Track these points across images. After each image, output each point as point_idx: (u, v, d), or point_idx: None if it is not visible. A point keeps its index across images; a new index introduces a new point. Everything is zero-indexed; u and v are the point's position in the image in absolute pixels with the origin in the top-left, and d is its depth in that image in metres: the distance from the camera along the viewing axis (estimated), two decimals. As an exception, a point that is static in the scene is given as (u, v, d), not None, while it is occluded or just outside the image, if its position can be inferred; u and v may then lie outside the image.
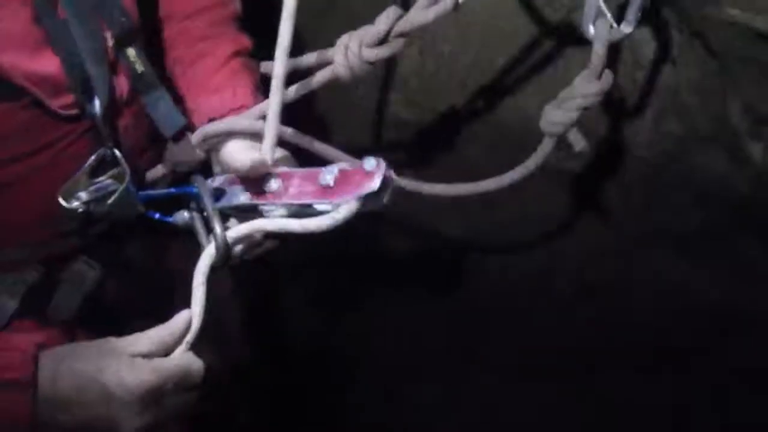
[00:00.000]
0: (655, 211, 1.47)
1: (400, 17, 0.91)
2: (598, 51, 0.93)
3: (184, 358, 0.89)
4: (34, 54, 0.96)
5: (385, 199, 0.90)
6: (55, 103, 0.97)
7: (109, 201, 0.95)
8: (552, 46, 1.28)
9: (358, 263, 1.81)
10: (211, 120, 1.09)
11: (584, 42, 0.97)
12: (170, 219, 0.99)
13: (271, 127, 0.95)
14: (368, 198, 0.87)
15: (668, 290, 1.58)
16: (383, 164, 0.87)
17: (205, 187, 0.97)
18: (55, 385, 0.84)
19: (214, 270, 0.92)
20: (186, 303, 0.91)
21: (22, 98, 0.94)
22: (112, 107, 1.02)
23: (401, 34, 0.92)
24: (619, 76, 1.20)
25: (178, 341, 0.89)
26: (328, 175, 0.90)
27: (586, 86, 0.93)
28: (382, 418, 1.94)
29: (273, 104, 0.94)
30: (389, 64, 1.48)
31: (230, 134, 1.05)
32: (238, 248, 0.96)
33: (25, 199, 0.97)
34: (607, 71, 0.95)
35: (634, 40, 1.22)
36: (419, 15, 0.90)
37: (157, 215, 0.99)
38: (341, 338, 1.96)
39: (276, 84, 0.92)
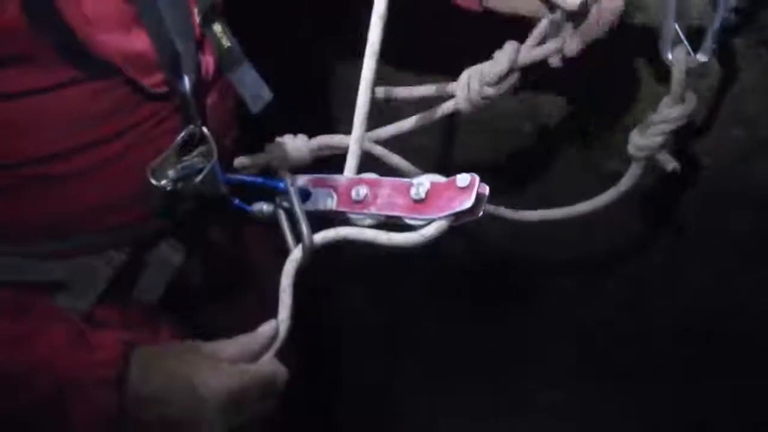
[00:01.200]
0: (717, 218, 1.50)
1: (517, 52, 0.99)
2: (678, 77, 0.98)
3: (270, 366, 0.91)
4: (126, 32, 0.96)
5: (478, 214, 0.88)
6: (147, 81, 0.97)
7: (197, 179, 0.96)
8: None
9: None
10: None
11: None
12: (250, 208, 0.99)
13: (356, 139, 0.92)
14: (460, 214, 0.86)
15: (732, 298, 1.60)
16: (477, 180, 0.86)
17: (294, 185, 0.96)
18: (145, 384, 0.86)
19: (299, 273, 0.92)
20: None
21: (115, 77, 0.95)
22: (200, 84, 1.02)
23: (515, 70, 1.00)
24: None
25: (265, 348, 0.91)
26: (420, 188, 0.88)
27: (669, 111, 0.99)
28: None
29: (359, 114, 0.90)
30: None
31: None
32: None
33: (115, 178, 0.98)
34: (690, 94, 1.00)
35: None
36: (534, 52, 0.99)
37: (237, 201, 0.99)
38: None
39: (364, 89, 0.89)
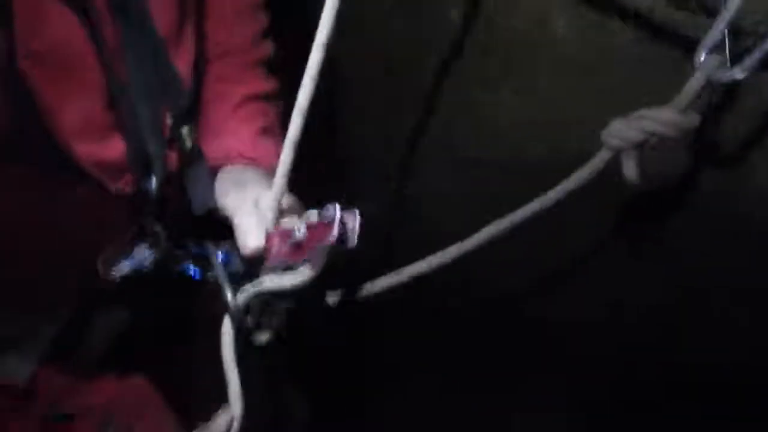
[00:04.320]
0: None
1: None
2: (693, 83, 0.83)
3: None
4: (104, 139, 1.01)
5: (350, 242, 0.89)
6: (115, 185, 1.04)
7: (145, 269, 1.01)
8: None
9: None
10: (213, 164, 1.10)
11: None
12: (196, 276, 1.04)
13: (272, 209, 0.95)
14: (335, 247, 0.87)
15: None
16: (338, 212, 0.87)
17: (214, 253, 1.01)
18: None
19: (247, 345, 0.97)
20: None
21: (85, 179, 1.01)
22: (164, 182, 1.06)
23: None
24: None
25: None
26: (297, 232, 0.91)
27: (663, 112, 0.84)
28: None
29: (276, 187, 0.93)
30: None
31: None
32: (252, 319, 0.98)
33: (64, 262, 1.01)
34: (692, 113, 0.84)
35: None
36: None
37: (189, 269, 1.04)
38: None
39: (282, 166, 0.90)
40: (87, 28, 0.98)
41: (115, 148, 1.02)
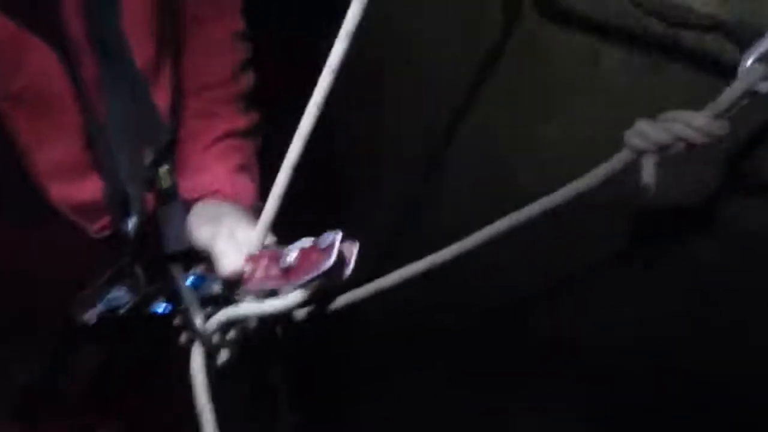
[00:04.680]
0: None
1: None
2: (732, 90, 0.76)
3: None
4: (81, 180, 0.98)
5: (344, 274, 0.84)
6: (92, 227, 1.00)
7: (122, 311, 0.97)
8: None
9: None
10: (187, 199, 1.06)
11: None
12: (166, 311, 1.00)
13: (260, 231, 0.92)
14: (328, 275, 0.82)
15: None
16: (338, 239, 0.82)
17: (181, 279, 0.97)
18: None
19: (220, 372, 0.94)
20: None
21: (60, 220, 0.98)
22: (143, 225, 1.03)
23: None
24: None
25: None
26: (289, 256, 0.86)
27: (695, 116, 0.77)
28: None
29: (267, 211, 0.90)
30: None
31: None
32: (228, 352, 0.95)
33: (37, 306, 0.99)
34: (724, 121, 0.78)
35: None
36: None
37: (159, 307, 1.00)
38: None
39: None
40: (65, 64, 0.94)
41: (92, 189, 0.99)
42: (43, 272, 0.99)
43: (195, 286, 0.98)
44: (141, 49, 1.01)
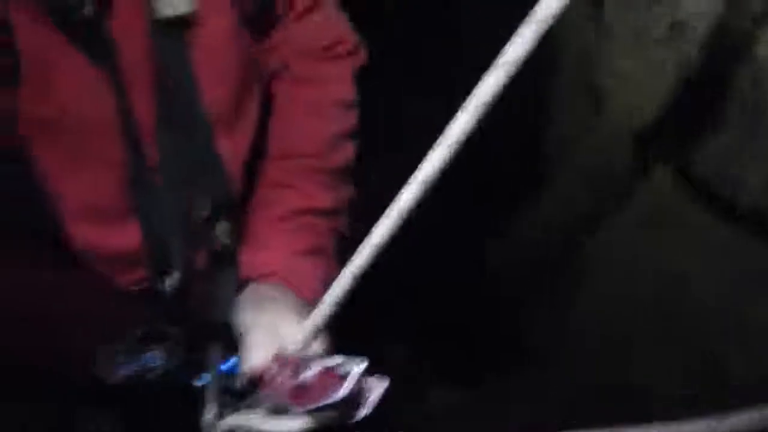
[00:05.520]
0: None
1: None
2: None
3: None
4: (114, 226, 0.86)
5: (360, 414, 0.74)
6: (124, 279, 0.88)
7: (150, 375, 0.87)
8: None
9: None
10: (240, 277, 0.96)
11: None
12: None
13: (300, 335, 0.81)
14: (336, 408, 0.73)
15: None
16: (358, 371, 0.72)
17: (216, 359, 0.89)
18: None
19: None
20: None
21: (86, 268, 0.86)
22: (185, 282, 0.90)
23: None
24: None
25: None
26: (307, 372, 0.77)
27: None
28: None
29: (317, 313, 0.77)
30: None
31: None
32: None
33: (56, 358, 0.88)
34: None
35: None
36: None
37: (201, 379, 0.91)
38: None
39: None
40: (113, 88, 0.82)
41: (127, 238, 0.87)
42: (67, 320, 0.89)
43: (231, 371, 0.90)
44: (212, 90, 0.90)
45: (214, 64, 0.90)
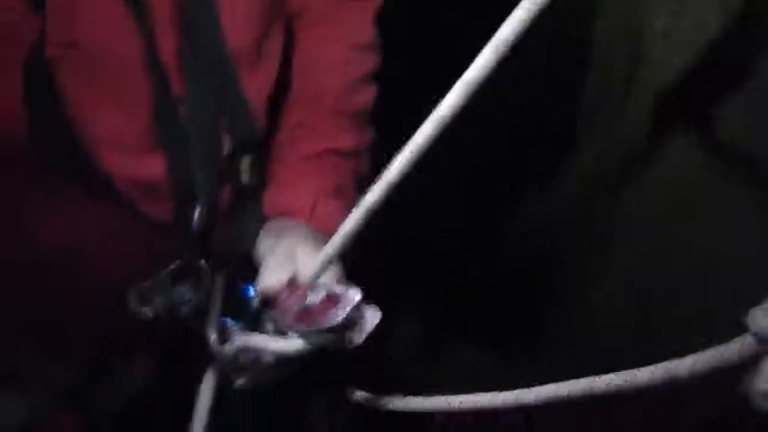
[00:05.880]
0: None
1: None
2: None
3: None
4: (142, 157, 0.87)
5: (356, 340, 0.79)
6: (152, 210, 0.90)
7: (183, 311, 0.89)
8: None
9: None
10: (263, 215, 0.99)
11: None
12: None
13: (314, 264, 0.85)
14: (332, 332, 0.78)
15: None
16: (354, 300, 0.77)
17: (218, 292, 0.91)
18: None
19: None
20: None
21: (116, 200, 0.88)
22: (210, 217, 0.92)
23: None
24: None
25: None
26: (313, 297, 0.82)
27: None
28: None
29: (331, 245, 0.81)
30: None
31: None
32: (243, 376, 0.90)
33: (89, 294, 0.90)
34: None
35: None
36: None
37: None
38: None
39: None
40: (138, 23, 0.83)
41: (153, 168, 0.89)
42: (96, 254, 0.90)
43: (245, 295, 0.93)
44: (236, 32, 0.90)
45: (237, 3, 0.90)
